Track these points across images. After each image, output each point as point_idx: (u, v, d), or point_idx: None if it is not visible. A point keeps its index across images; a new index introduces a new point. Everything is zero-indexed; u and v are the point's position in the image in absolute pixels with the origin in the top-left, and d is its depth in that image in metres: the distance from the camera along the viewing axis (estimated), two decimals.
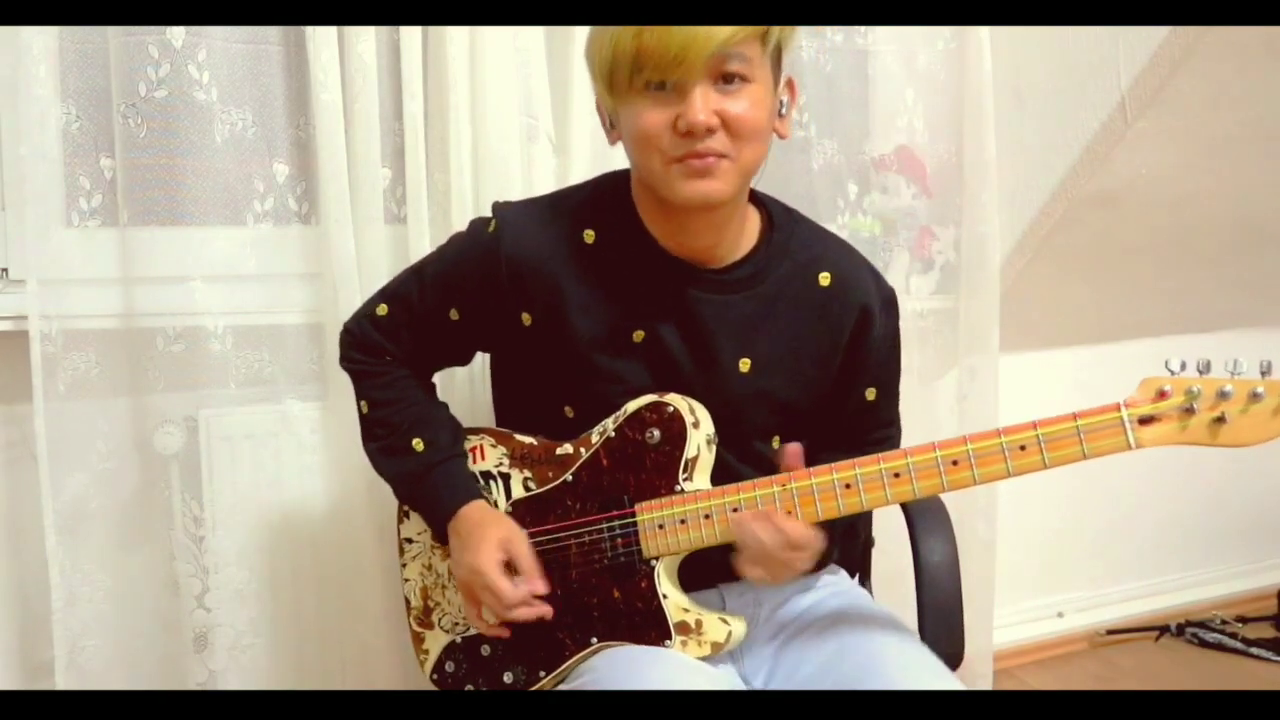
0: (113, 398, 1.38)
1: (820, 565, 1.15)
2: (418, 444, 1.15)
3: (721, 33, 0.94)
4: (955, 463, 0.98)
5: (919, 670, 1.01)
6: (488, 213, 1.19)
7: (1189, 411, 0.93)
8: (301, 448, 1.47)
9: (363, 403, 1.20)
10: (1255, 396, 0.91)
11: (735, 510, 1.04)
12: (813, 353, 1.14)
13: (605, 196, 1.14)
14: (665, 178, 1.01)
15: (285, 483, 1.47)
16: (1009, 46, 1.80)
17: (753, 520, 1.01)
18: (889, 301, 1.18)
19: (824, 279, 1.14)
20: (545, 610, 1.07)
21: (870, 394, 1.18)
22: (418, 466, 1.15)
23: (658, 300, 1.10)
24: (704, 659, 1.06)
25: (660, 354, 1.10)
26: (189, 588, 1.42)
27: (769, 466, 1.09)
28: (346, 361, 1.22)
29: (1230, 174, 1.96)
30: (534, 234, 1.10)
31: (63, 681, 1.36)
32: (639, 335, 1.10)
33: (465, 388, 1.47)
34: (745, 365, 1.11)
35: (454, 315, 1.15)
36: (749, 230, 1.13)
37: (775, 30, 1.00)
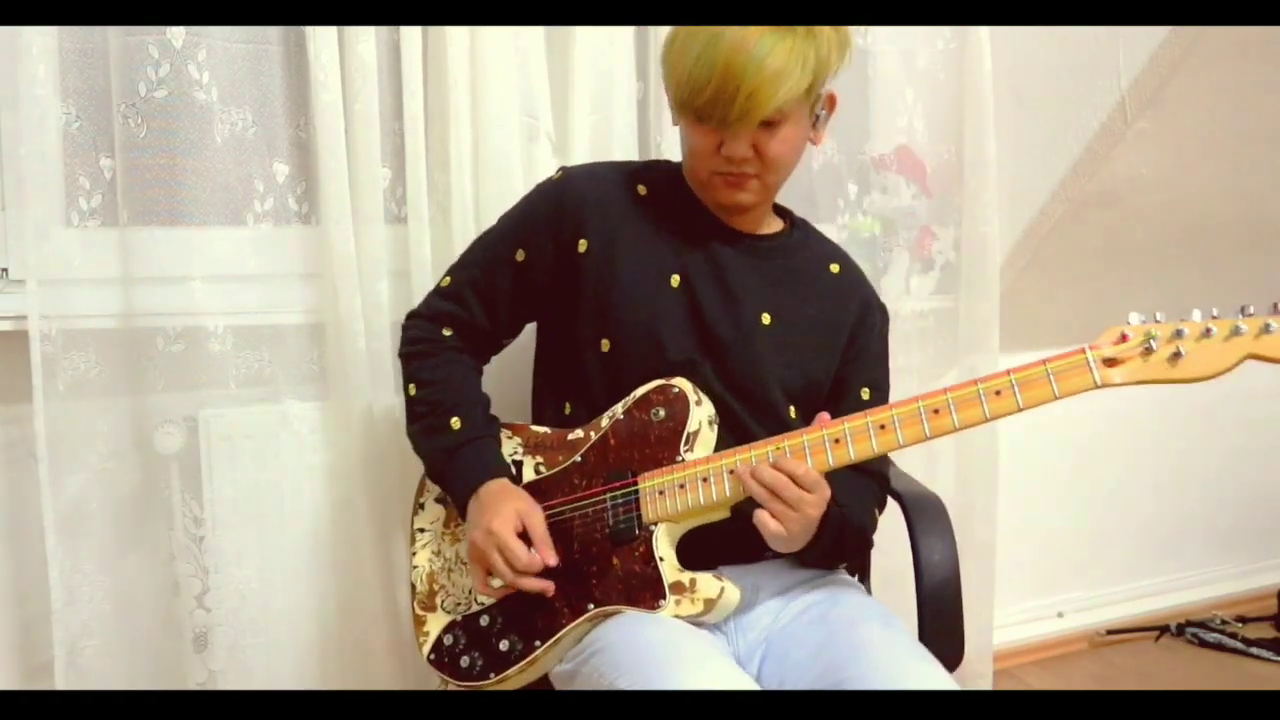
0: (113, 398, 1.38)
1: (830, 558, 1.21)
2: (455, 423, 1.22)
3: (773, 103, 1.09)
4: (936, 411, 1.05)
5: (904, 658, 1.03)
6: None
7: (1148, 351, 1.00)
8: (301, 448, 1.47)
9: (411, 385, 1.27)
10: (1207, 333, 0.99)
11: (732, 472, 1.09)
12: (824, 323, 1.27)
13: (660, 165, 1.33)
14: (706, 183, 1.21)
15: (285, 483, 1.46)
16: (1009, 46, 1.80)
17: (755, 467, 1.07)
18: (883, 307, 1.34)
19: (834, 268, 1.32)
20: (548, 585, 1.13)
21: (864, 394, 1.27)
22: (451, 443, 1.22)
23: (696, 250, 1.24)
24: (698, 615, 1.09)
25: (693, 298, 1.22)
26: (189, 588, 1.42)
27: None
28: (407, 345, 1.30)
29: (1230, 174, 1.96)
30: (595, 180, 1.27)
31: (63, 682, 1.36)
32: (676, 280, 1.22)
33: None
34: (767, 319, 1.23)
35: (519, 256, 1.25)
36: (774, 222, 1.31)
37: (819, 85, 1.14)
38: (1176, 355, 0.99)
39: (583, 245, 1.22)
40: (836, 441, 1.07)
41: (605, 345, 1.21)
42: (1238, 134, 1.86)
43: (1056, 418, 1.89)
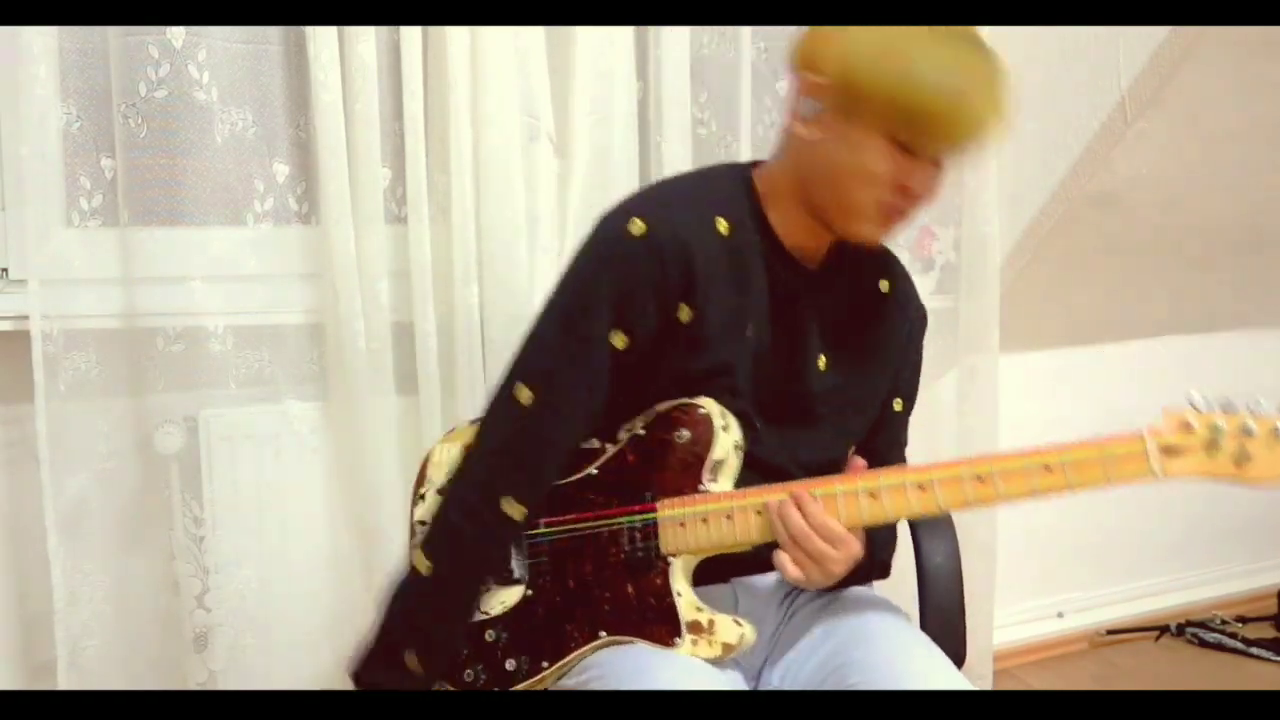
0: (113, 398, 1.38)
1: (855, 581, 1.14)
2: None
3: (993, 131, 1.00)
4: (980, 479, 1.00)
5: (909, 648, 1.04)
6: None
7: (1213, 445, 0.95)
8: (301, 448, 1.47)
9: (437, 560, 1.10)
10: (1277, 433, 0.93)
11: (758, 513, 1.05)
12: (876, 353, 1.20)
13: (728, 187, 1.13)
14: (859, 212, 1.05)
15: (285, 483, 1.47)
16: (1009, 46, 1.79)
17: (782, 506, 1.02)
18: (924, 316, 1.27)
19: (884, 285, 1.21)
20: None
21: (897, 404, 1.23)
22: (419, 609, 1.13)
23: (772, 295, 1.12)
24: (714, 659, 1.05)
25: (760, 348, 1.11)
26: (189, 588, 1.42)
27: None
28: (467, 512, 1.10)
29: (1230, 174, 1.96)
30: (681, 223, 1.06)
31: (64, 681, 1.36)
32: (750, 332, 1.11)
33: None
34: (822, 362, 1.15)
35: (619, 341, 1.06)
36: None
37: None
38: (1244, 456, 0.94)
39: (685, 313, 1.06)
40: (872, 496, 1.02)
41: None
42: (1238, 134, 1.86)
43: (1056, 418, 1.89)
